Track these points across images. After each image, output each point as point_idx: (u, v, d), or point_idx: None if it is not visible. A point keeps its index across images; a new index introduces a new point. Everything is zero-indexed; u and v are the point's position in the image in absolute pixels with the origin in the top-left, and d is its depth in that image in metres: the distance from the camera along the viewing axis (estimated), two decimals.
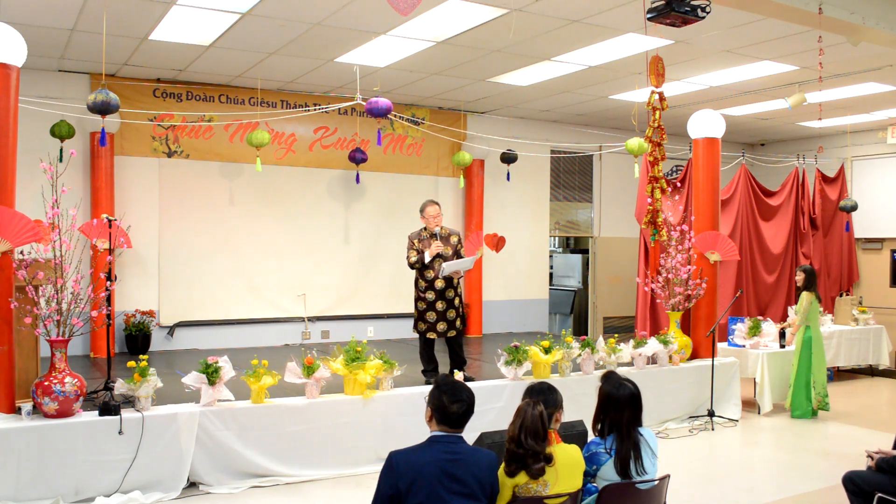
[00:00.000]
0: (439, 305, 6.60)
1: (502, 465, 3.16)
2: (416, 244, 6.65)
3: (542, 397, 3.37)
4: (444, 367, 6.83)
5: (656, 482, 3.46)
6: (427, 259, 6.54)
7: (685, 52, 7.66)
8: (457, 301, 6.71)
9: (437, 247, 6.55)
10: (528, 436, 3.11)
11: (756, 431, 7.49)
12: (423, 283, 6.64)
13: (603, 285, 12.45)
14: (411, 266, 6.65)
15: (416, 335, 6.79)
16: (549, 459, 3.14)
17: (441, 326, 6.62)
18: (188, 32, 7.16)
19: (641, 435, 3.52)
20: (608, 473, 3.44)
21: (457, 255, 6.67)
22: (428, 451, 3.03)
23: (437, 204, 6.74)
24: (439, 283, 6.58)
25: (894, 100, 9.86)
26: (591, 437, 3.73)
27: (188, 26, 6.97)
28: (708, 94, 9.67)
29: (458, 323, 6.70)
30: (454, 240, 6.71)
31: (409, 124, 10.54)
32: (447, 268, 6.49)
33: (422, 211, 6.74)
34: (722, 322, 8.62)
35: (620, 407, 3.50)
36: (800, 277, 8.10)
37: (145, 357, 5.31)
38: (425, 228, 6.70)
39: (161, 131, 9.19)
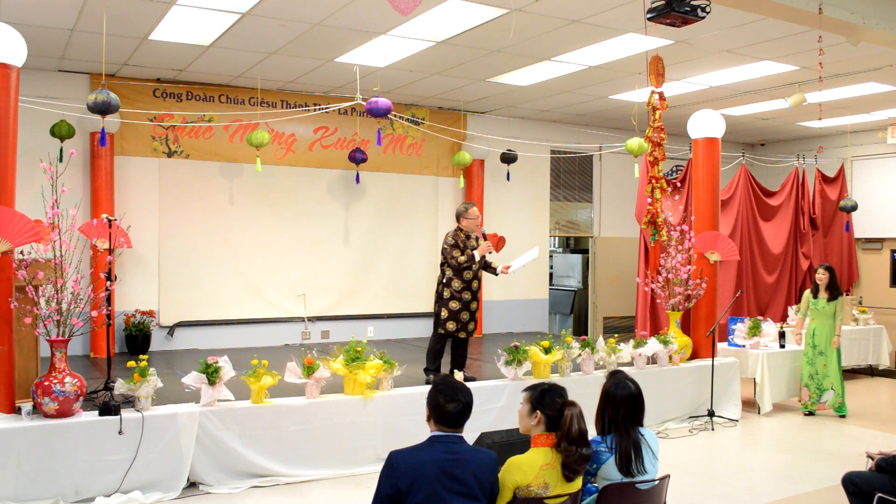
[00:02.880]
0: (473, 305, 6.66)
1: (521, 468, 3.15)
2: (460, 244, 6.61)
3: (566, 395, 3.36)
4: (445, 367, 6.83)
5: (656, 482, 3.46)
6: (477, 258, 6.56)
7: (685, 52, 7.66)
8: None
9: (486, 247, 6.62)
10: (585, 435, 3.18)
11: (756, 431, 7.49)
12: (459, 284, 6.59)
13: (603, 285, 12.45)
14: (459, 265, 6.56)
15: (440, 332, 6.64)
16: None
17: (471, 326, 6.69)
18: (188, 32, 7.16)
19: (642, 435, 3.52)
20: (608, 472, 3.44)
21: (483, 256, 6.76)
22: (428, 451, 3.03)
23: (476, 206, 6.78)
24: (475, 284, 6.65)
25: (894, 100, 9.86)
26: (591, 435, 3.74)
27: (188, 26, 6.97)
28: (708, 94, 9.67)
29: (477, 320, 6.80)
30: (482, 242, 6.77)
31: (409, 124, 10.54)
32: (517, 264, 6.78)
33: (463, 213, 6.67)
34: (722, 322, 8.62)
35: (617, 405, 3.51)
36: (825, 277, 7.99)
37: (145, 357, 5.32)
38: (461, 230, 6.66)
39: (161, 131, 9.19)
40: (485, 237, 6.74)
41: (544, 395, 3.32)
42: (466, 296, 6.61)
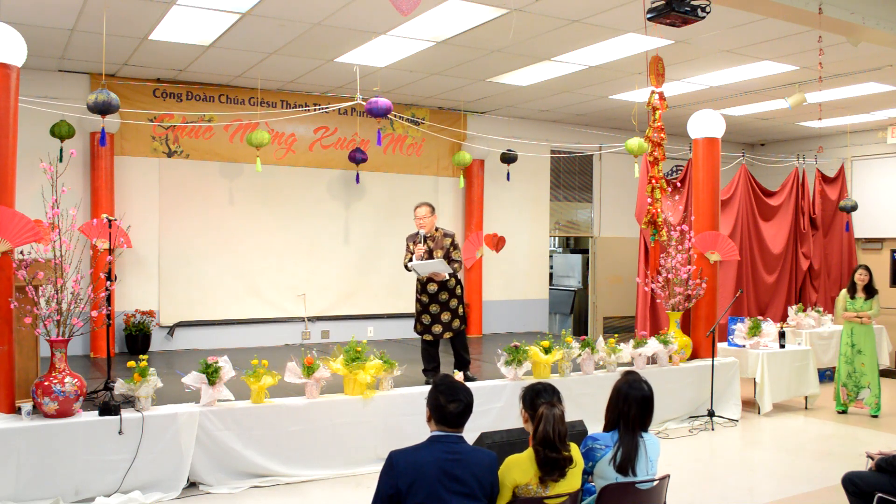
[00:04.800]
0: (433, 308, 6.61)
1: (520, 466, 3.15)
2: (411, 246, 6.66)
3: (556, 397, 3.35)
4: (447, 367, 6.83)
5: (656, 482, 3.46)
6: (413, 262, 6.52)
7: (685, 52, 7.66)
8: (453, 303, 6.64)
9: (418, 250, 6.56)
10: (560, 439, 3.12)
11: (756, 431, 7.49)
12: (418, 286, 6.67)
13: (603, 285, 12.45)
14: (406, 268, 6.68)
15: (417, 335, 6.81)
16: (571, 461, 3.18)
17: (436, 329, 6.62)
18: (188, 32, 7.16)
19: (644, 439, 3.51)
20: (603, 470, 3.44)
21: (447, 257, 6.58)
22: (428, 451, 3.03)
23: (426, 205, 6.67)
24: (432, 287, 6.58)
25: (894, 100, 9.86)
26: (591, 432, 3.73)
27: (188, 26, 6.97)
28: (708, 94, 9.67)
29: (454, 324, 6.64)
30: (447, 242, 6.64)
31: (409, 124, 10.54)
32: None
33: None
34: (722, 322, 8.61)
35: (629, 404, 3.51)
36: (865, 276, 7.99)
37: (145, 357, 5.31)
38: (419, 231, 6.69)
39: (161, 131, 9.19)
40: (425, 239, 6.61)
41: (530, 394, 3.39)
42: (424, 298, 6.62)
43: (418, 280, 6.65)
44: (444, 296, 6.61)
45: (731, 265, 10.49)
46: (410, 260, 6.61)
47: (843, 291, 8.19)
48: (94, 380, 6.44)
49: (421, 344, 6.79)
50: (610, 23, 6.79)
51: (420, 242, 6.60)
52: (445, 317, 6.62)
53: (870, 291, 7.99)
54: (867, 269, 8.09)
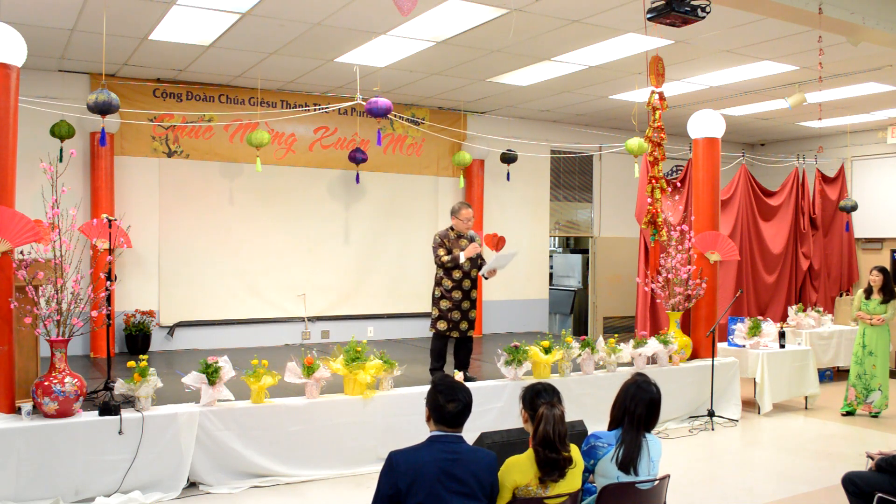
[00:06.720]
0: (464, 304, 6.62)
1: (519, 467, 3.14)
2: (447, 243, 6.62)
3: (556, 397, 3.36)
4: (447, 367, 6.82)
5: (656, 482, 3.46)
6: (462, 260, 6.51)
7: (685, 52, 7.66)
8: (476, 300, 6.75)
9: (474, 248, 6.55)
10: (560, 439, 3.12)
11: (756, 431, 7.49)
12: (449, 283, 6.59)
13: (603, 285, 12.45)
14: (442, 265, 6.58)
15: (432, 332, 6.72)
16: (571, 461, 3.17)
17: (463, 325, 6.63)
18: (188, 32, 7.16)
19: (647, 439, 3.52)
20: (605, 468, 3.44)
21: (480, 256, 6.71)
22: (428, 451, 3.03)
23: (471, 208, 6.72)
24: (466, 283, 6.60)
25: (894, 100, 9.86)
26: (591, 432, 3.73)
27: (188, 26, 6.97)
28: (708, 94, 9.67)
29: (474, 322, 6.76)
30: (477, 242, 6.76)
31: (409, 124, 10.54)
32: (502, 259, 6.54)
33: (455, 213, 6.67)
34: (722, 322, 8.61)
35: (636, 403, 3.51)
36: (878, 278, 7.90)
37: (145, 357, 5.31)
38: (453, 229, 6.68)
39: (161, 131, 9.19)
40: (464, 238, 6.66)
41: (529, 394, 3.39)
42: (457, 295, 6.60)
43: (448, 277, 6.58)
44: (474, 293, 6.69)
45: (731, 265, 10.49)
46: (452, 258, 6.51)
47: (860, 291, 8.15)
48: (94, 380, 6.44)
49: (435, 341, 6.71)
50: (610, 23, 6.79)
51: (467, 241, 6.62)
52: (473, 314, 6.70)
53: (887, 294, 7.89)
54: (881, 270, 7.97)
